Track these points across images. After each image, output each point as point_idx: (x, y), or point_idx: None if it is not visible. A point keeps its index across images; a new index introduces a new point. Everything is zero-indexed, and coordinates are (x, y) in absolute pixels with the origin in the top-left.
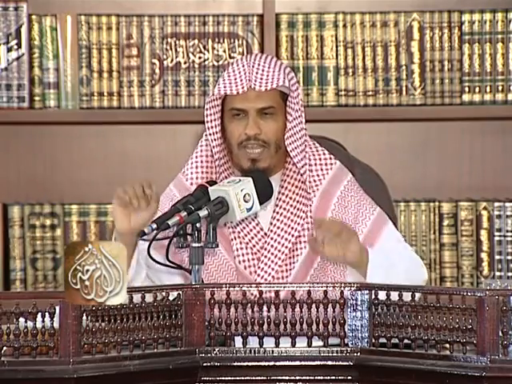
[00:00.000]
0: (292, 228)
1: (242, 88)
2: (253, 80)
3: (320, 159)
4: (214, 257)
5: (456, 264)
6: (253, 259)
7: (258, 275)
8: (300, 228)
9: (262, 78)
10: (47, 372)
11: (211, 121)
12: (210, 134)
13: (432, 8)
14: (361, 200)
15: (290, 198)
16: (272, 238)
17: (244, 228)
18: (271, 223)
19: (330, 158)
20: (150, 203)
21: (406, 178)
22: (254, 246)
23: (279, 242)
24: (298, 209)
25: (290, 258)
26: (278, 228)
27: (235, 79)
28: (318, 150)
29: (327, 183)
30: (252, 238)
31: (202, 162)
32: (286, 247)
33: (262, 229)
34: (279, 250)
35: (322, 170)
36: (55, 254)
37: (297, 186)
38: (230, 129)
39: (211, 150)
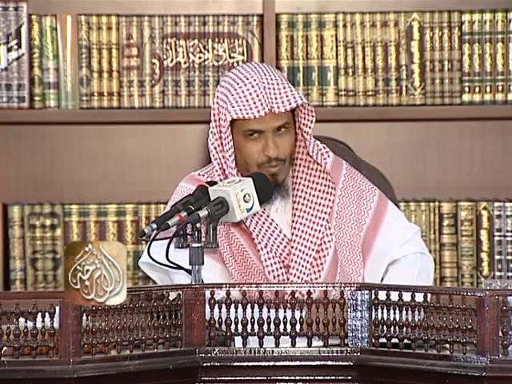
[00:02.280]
0: (316, 230)
1: (264, 110)
2: (273, 103)
3: (320, 149)
4: (246, 264)
5: (456, 264)
6: (281, 268)
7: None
8: (323, 229)
9: (282, 100)
10: (47, 372)
11: (228, 143)
12: (229, 150)
13: (432, 8)
14: (360, 187)
15: (307, 200)
16: (298, 244)
17: (270, 238)
18: (294, 228)
19: (324, 148)
20: None
21: (406, 178)
22: (281, 254)
23: (305, 246)
24: (317, 210)
25: (317, 260)
26: (302, 232)
27: (254, 103)
28: (318, 145)
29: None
30: (278, 246)
31: (221, 165)
32: (313, 250)
33: (285, 235)
34: (307, 254)
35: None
36: (55, 253)
37: (311, 188)
38: (247, 150)
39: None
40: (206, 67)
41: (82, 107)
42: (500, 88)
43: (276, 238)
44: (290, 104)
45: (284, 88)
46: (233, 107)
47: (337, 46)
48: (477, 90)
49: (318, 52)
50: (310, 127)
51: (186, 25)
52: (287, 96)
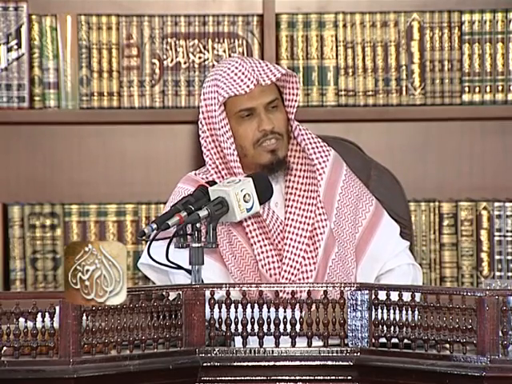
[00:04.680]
0: (307, 217)
1: (252, 84)
2: (259, 76)
3: (317, 147)
4: (244, 262)
5: (456, 264)
6: (273, 262)
7: (282, 276)
8: (314, 216)
9: (266, 73)
10: (47, 372)
11: (224, 126)
12: (228, 138)
13: (432, 8)
14: (360, 189)
15: (297, 189)
16: (291, 228)
17: (268, 225)
18: (286, 212)
19: (327, 145)
20: None
21: (406, 177)
22: (276, 245)
23: (297, 234)
24: (307, 197)
25: (311, 251)
26: (294, 220)
27: (241, 80)
28: (313, 138)
29: (329, 171)
30: (273, 233)
31: (216, 165)
32: (305, 237)
33: (279, 218)
34: (299, 242)
35: (322, 157)
36: (55, 253)
37: (302, 177)
38: (242, 132)
39: (221, 153)
40: (206, 67)
41: (82, 107)
42: (500, 88)
43: (274, 223)
44: (274, 75)
45: (266, 64)
46: (223, 88)
47: (337, 46)
48: (477, 90)
49: (317, 52)
50: (294, 101)
51: (185, 25)
52: (270, 70)
